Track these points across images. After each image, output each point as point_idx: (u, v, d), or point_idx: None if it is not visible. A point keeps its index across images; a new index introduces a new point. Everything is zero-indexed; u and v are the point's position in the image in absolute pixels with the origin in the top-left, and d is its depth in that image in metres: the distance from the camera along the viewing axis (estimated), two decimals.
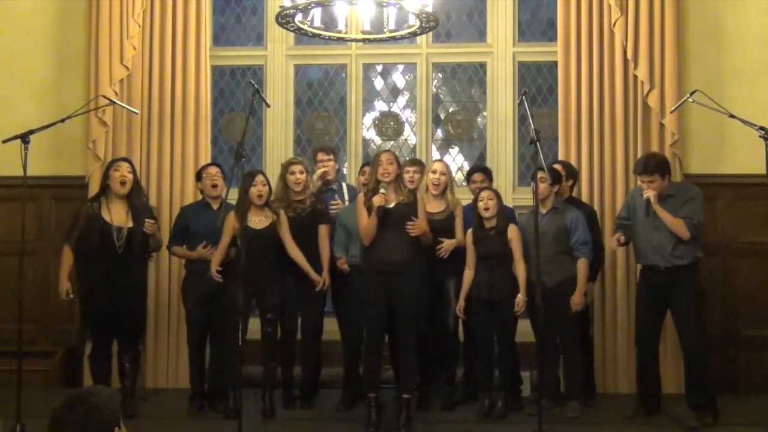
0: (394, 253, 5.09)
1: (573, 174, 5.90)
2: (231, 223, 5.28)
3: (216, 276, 5.25)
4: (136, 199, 5.43)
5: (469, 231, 5.43)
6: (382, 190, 5.11)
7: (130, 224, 5.33)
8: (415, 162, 5.95)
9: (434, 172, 5.63)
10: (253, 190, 5.31)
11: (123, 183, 5.36)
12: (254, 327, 5.36)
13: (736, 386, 6.21)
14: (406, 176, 5.81)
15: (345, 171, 6.95)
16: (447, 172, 5.70)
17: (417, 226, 5.12)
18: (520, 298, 5.24)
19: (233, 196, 5.54)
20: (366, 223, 5.13)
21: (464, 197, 5.95)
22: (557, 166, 5.73)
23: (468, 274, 5.40)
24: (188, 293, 5.67)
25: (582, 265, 5.40)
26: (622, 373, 6.15)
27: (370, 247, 5.16)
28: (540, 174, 5.18)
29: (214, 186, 5.64)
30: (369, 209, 5.13)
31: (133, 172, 5.46)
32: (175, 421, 5.44)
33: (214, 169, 5.72)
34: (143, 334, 5.76)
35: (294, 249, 5.42)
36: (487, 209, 5.33)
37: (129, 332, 5.45)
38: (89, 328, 5.42)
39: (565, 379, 5.44)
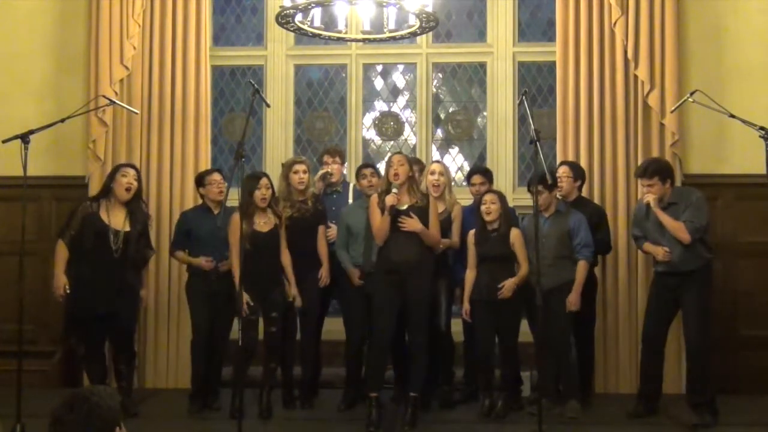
0: (406, 253, 5.12)
1: (581, 174, 5.87)
2: (237, 227, 5.16)
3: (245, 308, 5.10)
4: (136, 206, 5.43)
5: (471, 232, 5.43)
6: (394, 190, 5.14)
7: (128, 228, 5.34)
8: (416, 161, 5.95)
9: (433, 173, 5.62)
10: (258, 194, 5.29)
11: (128, 190, 5.36)
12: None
13: (736, 386, 6.18)
14: None
15: (345, 171, 6.94)
16: (445, 172, 5.70)
17: (408, 223, 5.12)
18: (511, 282, 5.25)
19: (233, 197, 5.51)
20: (379, 223, 5.17)
21: (464, 197, 5.94)
22: (564, 169, 5.72)
23: (470, 275, 5.40)
24: (192, 293, 5.66)
25: (581, 267, 5.40)
26: (623, 373, 6.14)
27: (382, 247, 5.20)
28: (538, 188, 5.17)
29: (221, 192, 5.64)
30: (383, 210, 5.16)
31: (139, 179, 5.48)
32: (175, 421, 5.44)
33: (218, 176, 5.72)
34: (133, 339, 5.77)
35: (287, 257, 5.43)
36: (489, 213, 5.33)
37: (121, 335, 5.47)
38: (79, 329, 5.40)
39: (561, 380, 5.43)
